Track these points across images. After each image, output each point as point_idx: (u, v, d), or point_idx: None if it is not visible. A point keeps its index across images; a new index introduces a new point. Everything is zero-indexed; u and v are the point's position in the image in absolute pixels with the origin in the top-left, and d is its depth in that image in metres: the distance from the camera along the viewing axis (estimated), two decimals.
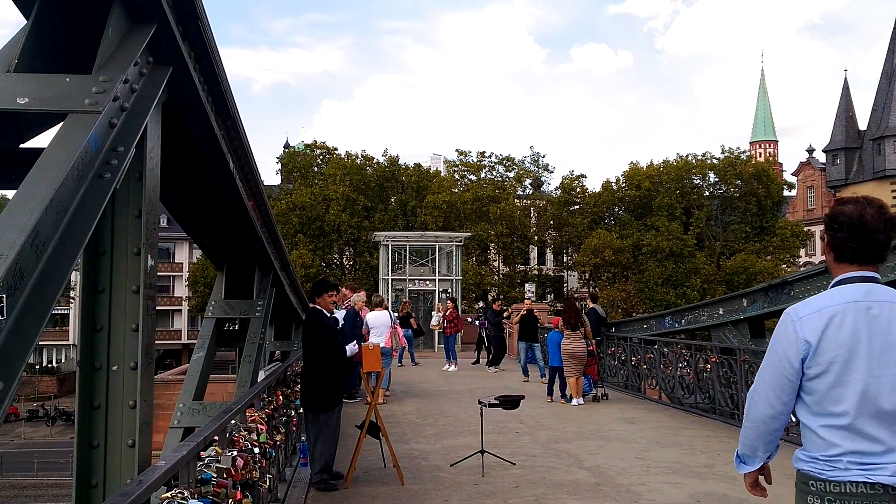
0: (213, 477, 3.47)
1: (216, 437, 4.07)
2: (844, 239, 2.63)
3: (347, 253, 50.08)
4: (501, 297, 43.82)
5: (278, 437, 6.67)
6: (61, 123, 2.57)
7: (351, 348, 7.49)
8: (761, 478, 2.82)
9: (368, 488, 7.21)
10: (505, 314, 20.10)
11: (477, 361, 20.59)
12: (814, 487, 2.55)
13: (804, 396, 2.59)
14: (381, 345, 12.81)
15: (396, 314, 19.89)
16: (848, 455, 2.49)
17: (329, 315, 7.55)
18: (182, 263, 57.98)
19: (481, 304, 22.49)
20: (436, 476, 7.68)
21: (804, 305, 2.62)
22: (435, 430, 10.46)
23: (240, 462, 4.02)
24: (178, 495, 3.03)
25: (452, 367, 19.29)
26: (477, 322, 21.03)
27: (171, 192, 5.27)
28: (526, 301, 19.11)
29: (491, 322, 19.81)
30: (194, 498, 3.07)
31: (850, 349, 2.50)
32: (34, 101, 2.65)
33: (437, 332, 21.57)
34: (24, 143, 2.84)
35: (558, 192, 52.45)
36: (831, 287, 2.65)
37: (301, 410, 8.14)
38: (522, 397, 8.57)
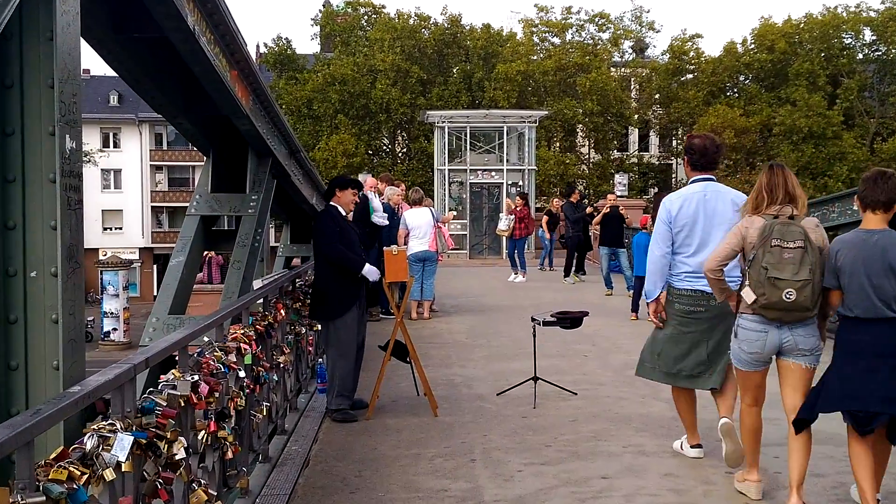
0: (160, 405, 3.53)
1: (176, 357, 4.14)
2: (695, 158, 5.77)
3: (400, 138, 50.03)
4: (590, 190, 43.40)
5: (282, 359, 6.82)
6: None
7: (370, 270, 7.49)
8: (661, 313, 5.79)
9: (394, 420, 7.35)
10: (588, 210, 19.68)
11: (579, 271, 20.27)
12: (671, 290, 5.70)
13: (674, 244, 5.64)
14: (425, 248, 12.91)
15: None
16: (685, 273, 5.61)
17: (345, 213, 7.60)
18: None
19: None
20: (478, 407, 7.77)
21: (674, 193, 5.87)
22: (486, 352, 10.55)
23: (204, 388, 4.08)
24: (106, 427, 3.09)
25: (519, 277, 19.32)
26: None
27: (125, 58, 5.22)
28: (610, 196, 18.71)
29: (569, 219, 19.41)
30: (126, 431, 3.13)
31: (693, 217, 5.60)
32: None
33: (504, 237, 21.48)
34: None
35: (666, 57, 50.75)
36: (689, 183, 5.82)
37: (319, 327, 8.34)
38: (586, 314, 8.49)
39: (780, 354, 4.85)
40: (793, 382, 4.87)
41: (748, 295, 4.71)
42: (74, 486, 2.65)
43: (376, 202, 9.99)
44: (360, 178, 12.37)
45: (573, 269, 19.36)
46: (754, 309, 4.73)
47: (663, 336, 5.78)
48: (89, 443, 2.91)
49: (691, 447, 5.93)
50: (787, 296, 4.56)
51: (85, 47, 5.15)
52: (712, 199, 5.63)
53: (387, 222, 11.66)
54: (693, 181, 5.79)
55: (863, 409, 4.57)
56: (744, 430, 5.16)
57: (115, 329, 40.20)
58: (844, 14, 48.62)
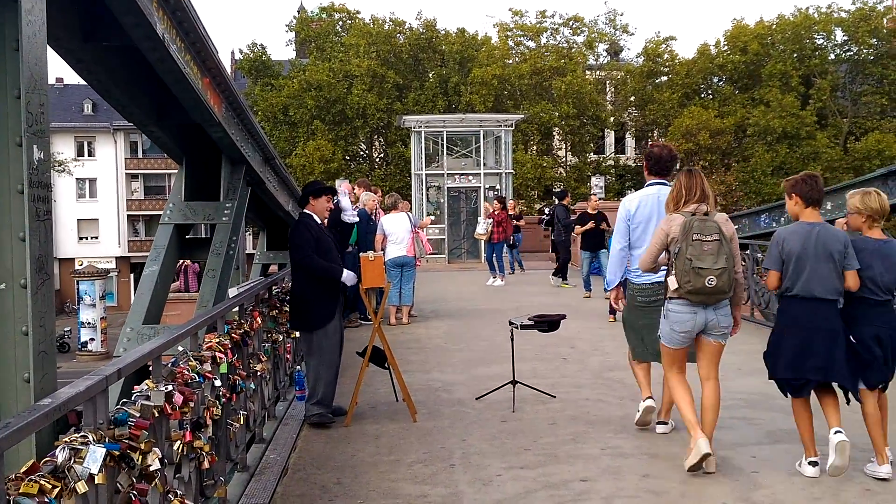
0: (133, 416, 3.49)
1: (150, 367, 4.11)
2: (651, 164, 6.64)
3: (376, 143, 49.96)
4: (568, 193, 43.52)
5: (259, 367, 6.79)
6: None
7: (348, 276, 7.46)
8: (620, 300, 6.79)
9: (373, 426, 7.34)
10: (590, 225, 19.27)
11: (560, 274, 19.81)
12: (629, 285, 6.62)
13: (630, 239, 6.51)
14: (402, 254, 12.89)
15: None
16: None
17: (321, 220, 7.57)
18: None
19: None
20: (457, 411, 7.77)
21: (632, 194, 6.87)
22: (465, 356, 10.55)
23: (178, 398, 4.05)
24: (78, 439, 3.06)
25: (498, 281, 19.33)
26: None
27: (94, 67, 5.18)
28: (592, 197, 18.77)
29: (561, 222, 19.27)
30: (99, 443, 3.10)
31: (648, 216, 6.45)
32: None
33: (483, 241, 21.47)
34: None
35: (641, 59, 50.99)
36: (645, 186, 6.69)
37: (297, 335, 8.30)
38: (563, 317, 8.51)
39: (702, 332, 5.78)
40: (709, 356, 5.86)
41: (672, 283, 5.62)
42: (46, 500, 2.62)
43: (345, 201, 9.95)
44: (337, 183, 12.35)
45: (560, 272, 19.22)
46: (680, 294, 5.61)
47: (640, 325, 6.63)
48: (61, 455, 2.87)
49: (643, 400, 6.80)
50: (709, 282, 5.45)
51: (56, 56, 5.11)
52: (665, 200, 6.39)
53: (357, 218, 11.62)
54: (649, 184, 6.68)
55: (799, 377, 5.55)
56: (676, 393, 5.93)
57: (92, 339, 39.71)
58: (816, 15, 48.92)
